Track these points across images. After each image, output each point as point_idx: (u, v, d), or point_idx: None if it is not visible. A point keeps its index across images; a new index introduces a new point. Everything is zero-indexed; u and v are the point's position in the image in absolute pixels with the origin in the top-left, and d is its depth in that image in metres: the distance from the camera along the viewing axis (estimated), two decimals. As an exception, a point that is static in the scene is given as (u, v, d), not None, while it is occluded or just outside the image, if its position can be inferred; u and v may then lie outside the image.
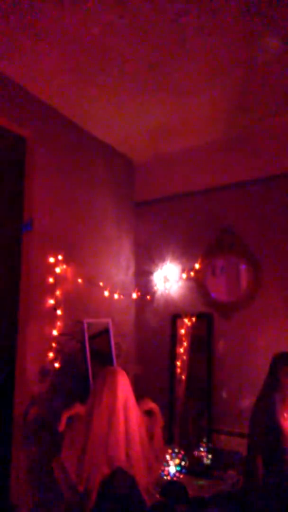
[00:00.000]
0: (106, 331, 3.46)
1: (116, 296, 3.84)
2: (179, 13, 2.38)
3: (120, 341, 3.63)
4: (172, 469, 3.17)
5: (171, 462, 3.18)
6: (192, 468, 3.31)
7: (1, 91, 2.91)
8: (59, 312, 3.14)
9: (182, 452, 3.25)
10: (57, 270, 3.20)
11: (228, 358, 3.62)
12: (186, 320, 3.80)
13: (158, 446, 2.54)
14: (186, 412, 3.65)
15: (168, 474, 3.16)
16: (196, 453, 3.40)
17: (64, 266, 3.26)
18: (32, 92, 3.13)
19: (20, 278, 3.07)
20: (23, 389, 2.87)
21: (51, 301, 3.12)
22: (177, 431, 3.61)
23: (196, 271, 3.87)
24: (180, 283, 3.97)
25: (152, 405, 2.60)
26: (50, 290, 3.13)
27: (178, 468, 3.19)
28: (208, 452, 3.38)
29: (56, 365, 3.06)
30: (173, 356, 3.81)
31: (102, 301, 3.68)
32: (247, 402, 3.21)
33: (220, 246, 3.78)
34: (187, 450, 3.35)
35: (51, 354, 3.05)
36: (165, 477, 3.13)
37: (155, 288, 4.08)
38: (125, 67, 2.86)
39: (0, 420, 3.09)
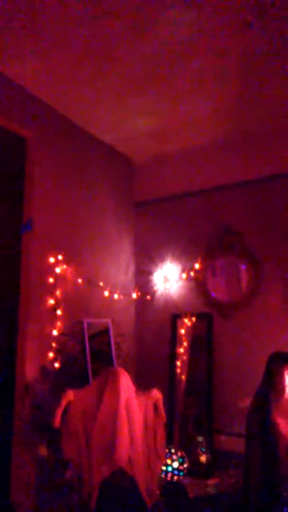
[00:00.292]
0: (106, 331, 3.46)
1: (116, 296, 3.83)
2: (179, 12, 2.37)
3: (120, 341, 3.63)
4: (172, 469, 3.17)
5: (171, 462, 3.19)
6: (192, 468, 3.31)
7: (1, 91, 2.91)
8: (59, 312, 3.14)
9: (182, 452, 3.26)
10: (57, 270, 3.20)
11: (228, 358, 3.62)
12: (186, 320, 3.79)
13: (160, 445, 2.55)
14: (186, 412, 3.65)
15: (168, 474, 3.16)
16: (196, 453, 3.39)
17: (64, 266, 3.26)
18: (32, 93, 3.13)
19: (20, 278, 3.07)
20: (23, 389, 2.87)
21: (51, 301, 3.12)
22: (177, 431, 3.61)
23: (196, 271, 3.87)
24: (180, 283, 3.97)
25: (159, 396, 2.60)
26: (50, 290, 3.13)
27: (178, 468, 3.18)
28: (208, 452, 3.38)
29: (56, 365, 3.06)
30: (173, 356, 3.81)
31: (102, 301, 3.67)
32: (247, 402, 3.20)
33: (220, 246, 3.78)
34: (187, 450, 3.34)
35: (51, 354, 3.05)
36: (165, 477, 3.13)
37: (155, 288, 4.07)
38: (125, 68, 2.86)
39: (0, 420, 3.09)
